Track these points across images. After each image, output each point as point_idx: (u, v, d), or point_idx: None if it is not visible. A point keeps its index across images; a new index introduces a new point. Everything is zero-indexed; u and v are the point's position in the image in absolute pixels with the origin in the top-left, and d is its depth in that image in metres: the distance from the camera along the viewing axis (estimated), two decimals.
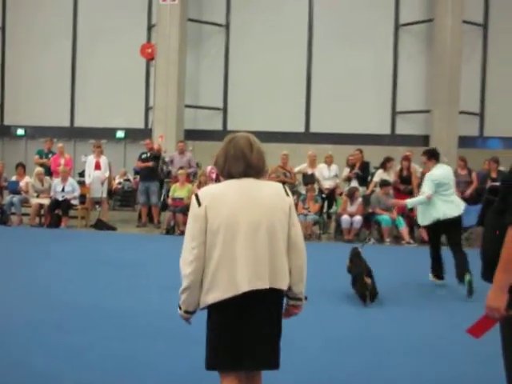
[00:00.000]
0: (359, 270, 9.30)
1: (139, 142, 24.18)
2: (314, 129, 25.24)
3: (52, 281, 10.21)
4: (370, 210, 17.10)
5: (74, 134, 26.86)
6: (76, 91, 27.08)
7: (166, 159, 19.53)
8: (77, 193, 18.73)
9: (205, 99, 25.26)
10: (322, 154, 19.18)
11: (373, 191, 17.48)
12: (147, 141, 20.14)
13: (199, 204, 4.02)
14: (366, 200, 17.30)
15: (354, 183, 18.15)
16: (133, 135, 26.02)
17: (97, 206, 20.44)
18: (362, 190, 17.87)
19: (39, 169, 19.40)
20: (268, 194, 4.08)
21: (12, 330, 7.26)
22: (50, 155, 20.29)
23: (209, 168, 19.06)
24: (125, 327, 7.49)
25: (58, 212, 18.44)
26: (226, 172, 4.12)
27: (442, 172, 10.54)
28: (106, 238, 16.23)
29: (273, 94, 24.66)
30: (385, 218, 16.86)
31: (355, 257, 9.74)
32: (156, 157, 19.22)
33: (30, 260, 12.25)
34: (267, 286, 3.97)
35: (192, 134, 24.41)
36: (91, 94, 26.53)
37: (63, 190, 18.75)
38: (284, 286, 4.06)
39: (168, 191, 18.45)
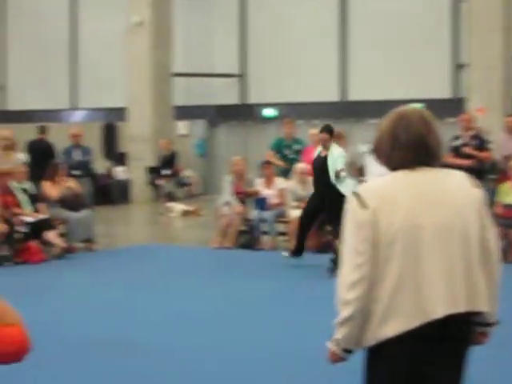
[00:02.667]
0: None
1: (445, 118, 19.14)
2: None
3: None
4: None
5: (345, 110, 24.02)
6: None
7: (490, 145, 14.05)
8: None
9: None
10: None
11: None
12: (464, 115, 14.77)
13: (364, 206, 3.37)
14: None
15: None
16: (433, 109, 21.01)
17: None
18: None
19: (301, 166, 14.18)
20: (454, 187, 3.53)
21: None
22: (296, 146, 15.37)
23: None
24: None
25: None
26: (395, 162, 3.50)
27: None
28: None
29: None
30: None
31: None
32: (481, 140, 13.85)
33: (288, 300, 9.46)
34: (468, 309, 3.41)
35: None
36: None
37: None
38: (485, 308, 3.48)
39: (493, 193, 13.03)
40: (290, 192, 14.01)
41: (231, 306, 9.26)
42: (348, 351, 3.49)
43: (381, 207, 3.38)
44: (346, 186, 11.37)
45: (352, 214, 3.44)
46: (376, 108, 22.65)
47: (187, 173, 24.19)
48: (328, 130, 11.83)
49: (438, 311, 3.33)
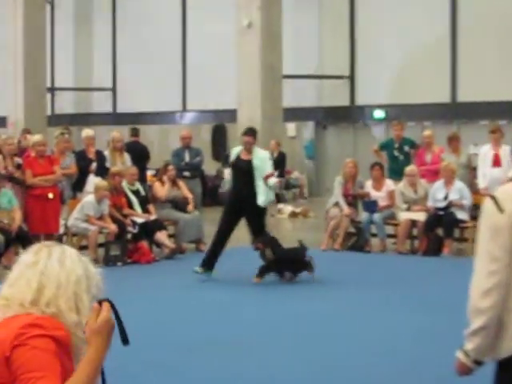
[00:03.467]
0: None
1: None
2: None
3: None
4: None
5: (456, 111, 23.41)
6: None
7: None
8: (469, 201, 13.35)
9: None
10: None
11: None
12: None
13: (500, 210, 3.22)
14: None
15: None
16: None
17: None
18: None
19: (411, 167, 13.90)
20: None
21: None
22: (406, 147, 15.08)
23: None
24: None
25: (438, 232, 13.44)
26: None
27: None
28: None
29: None
30: None
31: None
32: None
33: (402, 305, 9.45)
34: None
35: None
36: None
37: (446, 197, 13.40)
38: None
39: None
40: (399, 194, 13.76)
41: (342, 308, 9.18)
42: (478, 363, 3.34)
43: None
44: (266, 195, 10.77)
45: (488, 218, 3.30)
46: (486, 109, 22.13)
47: (296, 174, 24.15)
48: (253, 132, 11.09)
49: None
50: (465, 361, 3.33)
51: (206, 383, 6.42)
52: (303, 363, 6.84)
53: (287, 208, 19.53)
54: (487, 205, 3.30)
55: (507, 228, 3.19)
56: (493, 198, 3.28)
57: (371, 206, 13.82)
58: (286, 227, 18.51)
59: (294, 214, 19.22)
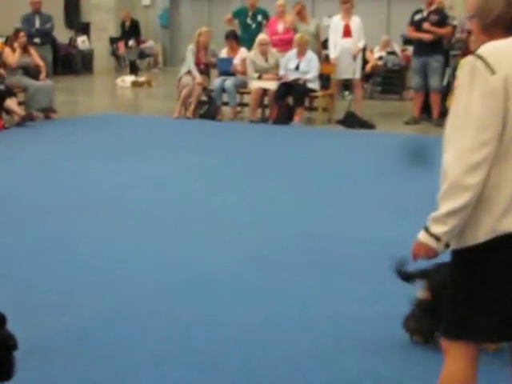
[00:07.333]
0: None
1: None
2: None
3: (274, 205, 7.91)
4: None
5: None
6: None
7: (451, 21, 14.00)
8: (315, 72, 13.68)
9: None
10: None
11: None
12: None
13: (492, 71, 2.82)
14: None
15: None
16: None
17: (346, 93, 16.23)
18: None
19: (263, 36, 14.09)
20: None
21: None
22: (258, 16, 15.14)
23: None
24: None
25: (288, 101, 13.75)
26: (510, 20, 2.96)
27: None
28: (360, 141, 12.41)
29: None
30: None
31: None
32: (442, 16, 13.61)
33: (249, 170, 9.76)
34: None
35: None
36: None
37: (297, 67, 13.69)
38: None
39: (455, 69, 12.57)
40: (250, 62, 13.93)
41: (187, 171, 9.42)
42: (448, 246, 2.99)
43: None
44: None
45: (477, 81, 2.87)
46: None
47: (150, 44, 23.91)
48: None
49: None
50: (435, 245, 2.97)
51: (53, 239, 6.58)
52: (143, 223, 7.10)
53: (128, 78, 19.42)
54: (473, 66, 2.89)
55: (501, 91, 2.83)
56: (479, 57, 2.89)
57: (226, 65, 14.06)
58: (140, 96, 18.44)
59: (136, 84, 19.14)
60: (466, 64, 2.90)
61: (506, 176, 2.86)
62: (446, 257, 3.08)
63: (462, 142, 2.83)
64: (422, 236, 2.97)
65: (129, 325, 4.77)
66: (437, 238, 2.92)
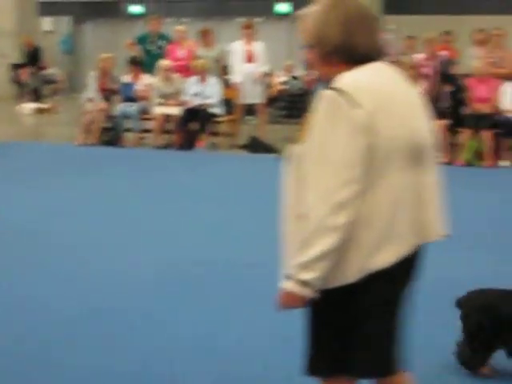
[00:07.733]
0: None
1: None
2: None
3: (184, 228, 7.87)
4: None
5: (212, 10, 22.80)
6: None
7: None
8: (218, 97, 13.78)
9: None
10: None
11: None
12: None
13: (357, 106, 2.63)
14: None
15: None
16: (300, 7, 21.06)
17: (250, 118, 15.93)
18: None
19: (165, 62, 14.05)
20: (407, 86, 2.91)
21: None
22: (160, 42, 15.10)
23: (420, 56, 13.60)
24: None
25: (192, 126, 13.73)
26: (348, 49, 2.78)
27: None
28: (264, 165, 11.78)
29: None
30: None
31: None
32: None
33: (153, 196, 9.65)
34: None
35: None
36: None
37: (200, 93, 13.71)
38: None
39: None
40: (154, 88, 13.85)
41: (96, 199, 9.24)
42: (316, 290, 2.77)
43: (380, 107, 2.71)
44: None
45: (339, 113, 2.67)
46: (243, 7, 22.58)
47: (53, 70, 23.56)
48: None
49: (435, 233, 2.91)
50: (305, 293, 2.73)
51: None
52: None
53: (30, 106, 18.99)
54: (335, 101, 2.68)
55: (366, 127, 2.65)
56: (342, 92, 2.68)
57: (128, 90, 14.01)
58: (41, 123, 18.09)
59: (40, 111, 18.73)
60: (327, 98, 2.69)
61: (374, 211, 2.70)
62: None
63: (324, 181, 2.64)
64: (289, 285, 2.72)
65: None
66: (306, 285, 2.69)
